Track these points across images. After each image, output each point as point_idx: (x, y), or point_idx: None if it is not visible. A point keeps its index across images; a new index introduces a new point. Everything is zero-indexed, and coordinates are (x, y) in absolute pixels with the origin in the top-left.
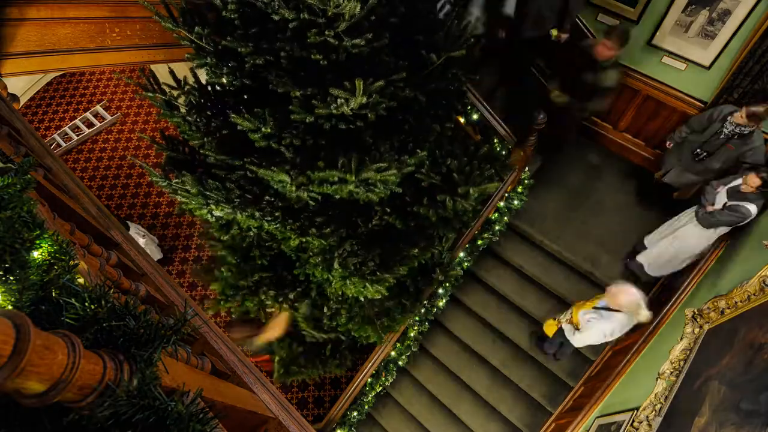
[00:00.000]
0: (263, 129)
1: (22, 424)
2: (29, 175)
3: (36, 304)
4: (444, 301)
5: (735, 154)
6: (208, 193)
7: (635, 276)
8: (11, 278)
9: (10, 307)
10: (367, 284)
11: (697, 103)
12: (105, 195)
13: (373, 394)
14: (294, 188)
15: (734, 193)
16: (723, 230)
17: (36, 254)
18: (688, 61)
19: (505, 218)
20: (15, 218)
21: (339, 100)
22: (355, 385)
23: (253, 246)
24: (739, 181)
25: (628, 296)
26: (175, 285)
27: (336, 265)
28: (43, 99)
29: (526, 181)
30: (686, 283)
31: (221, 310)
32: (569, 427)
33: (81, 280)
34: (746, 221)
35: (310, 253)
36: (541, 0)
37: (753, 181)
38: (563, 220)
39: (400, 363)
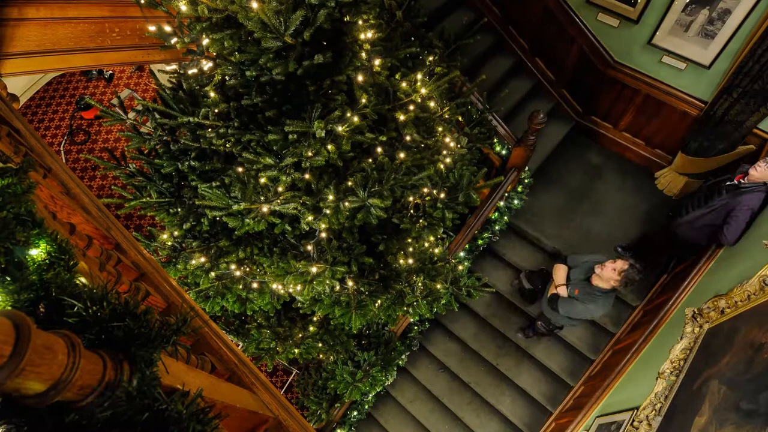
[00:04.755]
0: (234, 207)
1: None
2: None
3: (36, 304)
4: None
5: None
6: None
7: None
8: (8, 279)
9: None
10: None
11: (697, 102)
12: (105, 195)
13: (373, 393)
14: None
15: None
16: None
17: (34, 253)
18: (688, 60)
19: (505, 218)
20: (10, 218)
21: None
22: None
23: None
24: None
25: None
26: (175, 285)
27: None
28: (43, 99)
29: (526, 181)
30: (686, 282)
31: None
32: (569, 426)
33: (81, 280)
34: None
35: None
36: None
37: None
38: (563, 220)
39: (399, 363)
